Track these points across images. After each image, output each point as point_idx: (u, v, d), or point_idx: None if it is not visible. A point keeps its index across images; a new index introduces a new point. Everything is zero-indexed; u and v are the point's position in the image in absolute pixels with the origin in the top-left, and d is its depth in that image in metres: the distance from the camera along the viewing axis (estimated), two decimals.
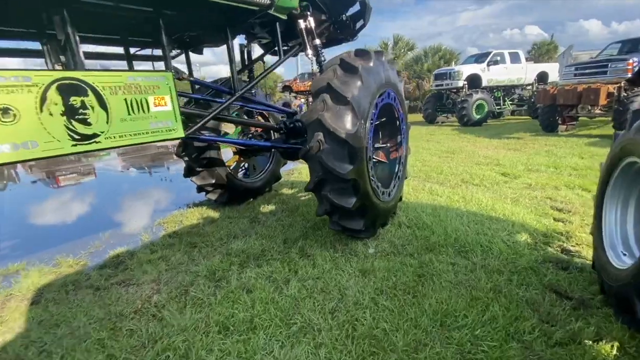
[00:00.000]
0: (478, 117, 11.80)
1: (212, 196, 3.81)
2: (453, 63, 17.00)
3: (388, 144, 3.29)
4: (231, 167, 4.08)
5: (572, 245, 2.49)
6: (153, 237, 3.27)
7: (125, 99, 1.92)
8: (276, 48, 2.94)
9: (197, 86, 3.25)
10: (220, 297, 2.05)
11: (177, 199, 4.69)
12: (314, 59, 2.96)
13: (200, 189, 3.73)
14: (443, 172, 4.93)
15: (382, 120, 3.13)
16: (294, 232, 3.02)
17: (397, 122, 3.12)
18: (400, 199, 3.34)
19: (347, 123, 2.21)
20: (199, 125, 2.34)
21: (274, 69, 2.82)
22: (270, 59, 3.50)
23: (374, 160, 3.28)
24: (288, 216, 3.49)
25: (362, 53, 2.54)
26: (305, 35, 2.84)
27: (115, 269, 2.61)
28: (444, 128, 11.92)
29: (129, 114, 1.95)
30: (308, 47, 2.89)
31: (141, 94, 2.00)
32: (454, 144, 7.78)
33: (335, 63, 2.43)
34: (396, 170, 3.17)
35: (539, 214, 3.13)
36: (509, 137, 8.48)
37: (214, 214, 3.78)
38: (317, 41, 2.93)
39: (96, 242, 3.23)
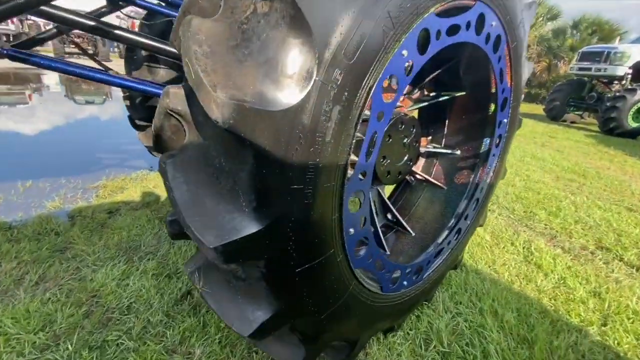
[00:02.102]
0: (635, 125, 8.05)
1: None
2: (617, 41, 11.98)
3: (458, 151, 1.52)
4: None
5: None
6: (63, 208, 2.27)
7: None
8: None
9: None
10: None
11: None
12: None
13: (150, 151, 2.54)
14: (560, 213, 2.79)
15: (447, 94, 1.37)
16: None
17: (488, 105, 1.31)
18: (456, 266, 1.61)
19: (261, 78, 0.60)
20: None
21: None
22: None
23: (416, 177, 1.57)
24: None
25: None
26: None
27: None
28: (572, 131, 8.53)
29: None
30: None
31: None
32: (586, 161, 5.08)
33: None
34: (460, 210, 1.43)
35: None
36: None
37: (162, 192, 2.59)
38: None
39: (3, 193, 2.37)
